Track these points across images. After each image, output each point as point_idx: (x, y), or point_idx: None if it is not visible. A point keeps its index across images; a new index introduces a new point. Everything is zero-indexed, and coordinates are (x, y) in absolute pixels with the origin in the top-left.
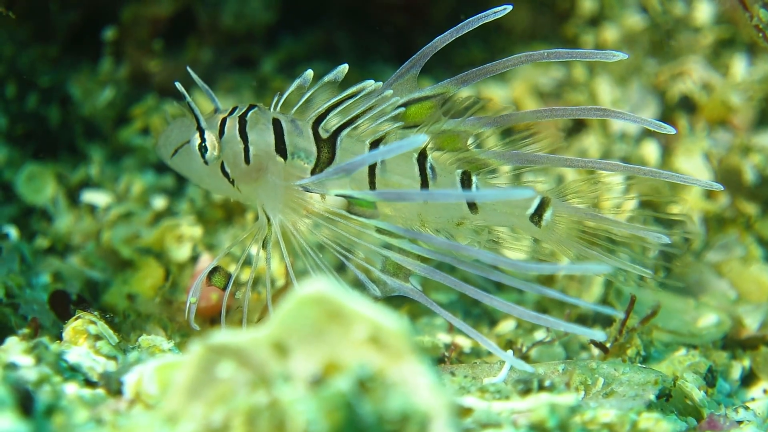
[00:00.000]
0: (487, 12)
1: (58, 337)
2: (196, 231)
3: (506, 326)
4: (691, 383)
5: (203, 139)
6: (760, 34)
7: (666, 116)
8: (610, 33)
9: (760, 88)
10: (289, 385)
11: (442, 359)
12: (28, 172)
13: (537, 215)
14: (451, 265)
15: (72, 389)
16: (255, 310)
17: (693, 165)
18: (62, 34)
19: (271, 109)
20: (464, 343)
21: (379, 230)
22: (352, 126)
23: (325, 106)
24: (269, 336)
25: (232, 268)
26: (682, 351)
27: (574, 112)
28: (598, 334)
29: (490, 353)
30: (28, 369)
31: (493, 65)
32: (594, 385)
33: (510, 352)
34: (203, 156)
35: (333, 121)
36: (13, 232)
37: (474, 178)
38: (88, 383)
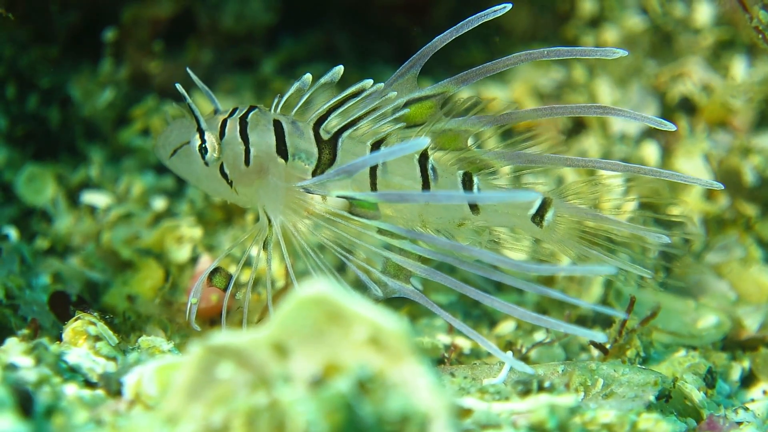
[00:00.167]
0: (486, 11)
1: (58, 338)
2: (196, 232)
3: (506, 327)
4: (690, 384)
5: (203, 140)
6: (760, 36)
7: (666, 117)
8: (610, 34)
9: (760, 90)
10: (289, 386)
11: (441, 360)
12: (28, 173)
13: (539, 216)
14: (451, 266)
15: (72, 390)
16: (255, 311)
17: (693, 166)
18: (62, 35)
19: (272, 111)
20: (464, 344)
21: (381, 231)
22: (354, 127)
23: (326, 106)
24: (269, 337)
25: (233, 269)
26: (682, 352)
27: (575, 110)
28: (599, 335)
29: (489, 354)
30: (28, 370)
31: (492, 64)
32: (594, 386)
33: (509, 353)
34: (203, 157)
35: (334, 123)
36: (13, 233)
37: (475, 179)
38: (88, 384)
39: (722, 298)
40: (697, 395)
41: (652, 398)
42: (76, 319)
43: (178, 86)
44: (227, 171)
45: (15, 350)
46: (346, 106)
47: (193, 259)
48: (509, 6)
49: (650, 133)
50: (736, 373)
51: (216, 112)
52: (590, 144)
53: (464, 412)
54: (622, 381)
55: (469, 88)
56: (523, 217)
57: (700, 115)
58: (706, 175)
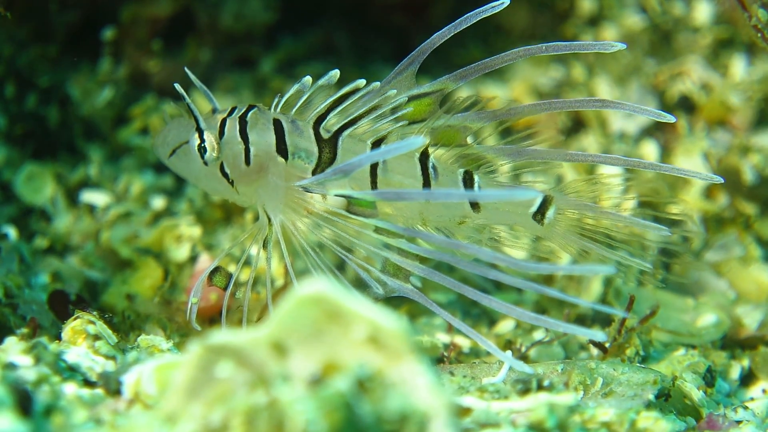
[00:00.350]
0: (484, 7)
1: (57, 337)
2: (195, 231)
3: (505, 326)
4: (690, 383)
5: (202, 140)
6: (759, 34)
7: None
8: (609, 33)
9: (759, 88)
10: (289, 385)
11: (441, 359)
12: (27, 172)
13: (539, 213)
14: (449, 266)
15: (71, 389)
16: (255, 310)
17: (692, 165)
18: (61, 34)
19: (271, 111)
20: (463, 342)
21: (378, 229)
22: (354, 126)
23: (324, 105)
24: (268, 336)
25: (232, 268)
26: (681, 351)
27: (573, 105)
28: (598, 334)
29: (489, 353)
30: (27, 369)
31: (491, 60)
32: (593, 385)
33: (509, 352)
34: (202, 156)
35: (333, 121)
36: (12, 232)
37: (476, 178)
38: (87, 383)
39: (721, 296)
40: (696, 394)
41: (651, 397)
42: (75, 318)
43: (177, 86)
44: (228, 170)
45: (14, 349)
46: (344, 105)
47: (192, 258)
48: (507, 2)
49: (649, 132)
50: (735, 372)
51: (214, 111)
52: (589, 142)
53: (463, 411)
54: (621, 380)
55: (469, 87)
56: (524, 214)
57: (699, 114)
58: (704, 174)
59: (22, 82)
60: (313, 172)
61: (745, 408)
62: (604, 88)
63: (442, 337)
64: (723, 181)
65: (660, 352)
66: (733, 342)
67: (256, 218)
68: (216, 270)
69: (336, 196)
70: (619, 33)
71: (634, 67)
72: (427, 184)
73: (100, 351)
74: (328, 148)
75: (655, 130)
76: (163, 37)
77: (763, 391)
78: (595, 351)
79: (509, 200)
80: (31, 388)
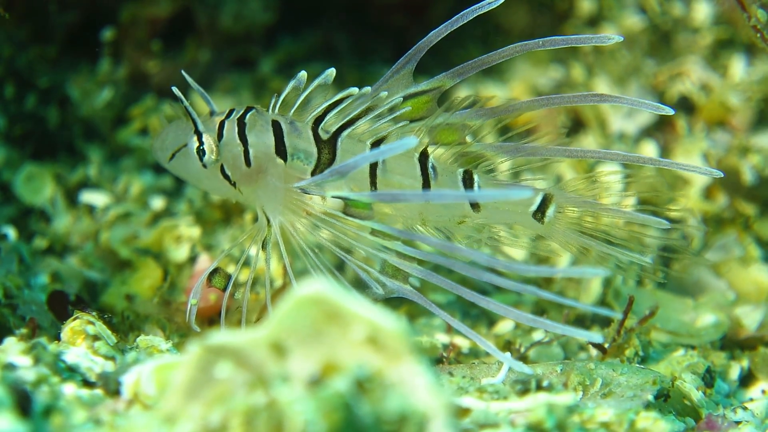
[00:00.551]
0: (481, 3)
1: (57, 338)
2: (195, 231)
3: (504, 326)
4: (689, 384)
5: (201, 143)
6: (758, 35)
7: (664, 117)
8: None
9: (758, 89)
10: (288, 385)
11: (440, 360)
12: (26, 173)
13: (539, 212)
14: (448, 267)
15: (70, 389)
16: (254, 311)
17: (692, 173)
18: (61, 34)
19: (269, 111)
20: (463, 343)
21: (374, 231)
22: (353, 126)
23: (323, 107)
24: (267, 336)
25: (231, 269)
26: (681, 351)
27: (572, 100)
28: (595, 336)
29: (488, 353)
30: (27, 369)
31: (488, 56)
32: (592, 385)
33: (508, 354)
34: (201, 159)
35: (332, 122)
36: (11, 232)
37: (476, 177)
38: (87, 384)
39: (721, 297)
40: (695, 394)
41: (650, 397)
42: (74, 319)
43: (175, 89)
44: (228, 172)
45: (13, 350)
46: (343, 106)
47: (192, 259)
48: None
49: (649, 132)
50: (734, 373)
51: (212, 113)
52: (589, 143)
53: (463, 412)
54: (620, 380)
55: (468, 86)
56: (524, 213)
57: (698, 115)
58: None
59: (21, 82)
60: (312, 173)
61: (745, 408)
62: (603, 89)
63: (442, 338)
64: (722, 176)
65: (659, 352)
66: (732, 342)
67: (256, 219)
68: (215, 271)
69: (333, 197)
70: (619, 33)
71: (633, 67)
72: (426, 183)
73: (100, 351)
74: (327, 149)
75: (654, 130)
76: (163, 38)
77: (763, 391)
78: (594, 351)
79: (504, 200)
80: (30, 388)
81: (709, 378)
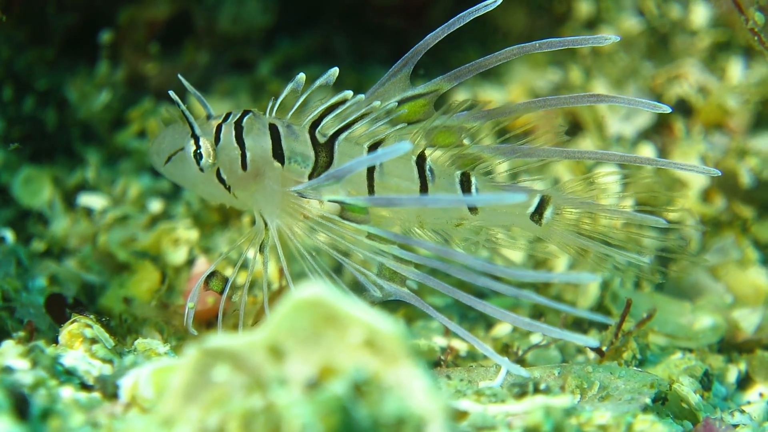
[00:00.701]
0: (477, 6)
1: (54, 341)
2: (193, 234)
3: (502, 329)
4: (687, 387)
5: (198, 146)
6: (756, 38)
7: (662, 119)
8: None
9: (756, 92)
10: (285, 388)
11: (438, 362)
12: (24, 175)
13: (537, 214)
14: (444, 271)
15: (68, 393)
16: (251, 314)
17: (690, 172)
18: (59, 37)
19: (267, 114)
20: (460, 346)
21: (370, 236)
22: (350, 130)
23: (318, 111)
24: (265, 339)
25: (229, 271)
26: (678, 354)
27: (568, 101)
28: (590, 340)
29: (486, 356)
30: (24, 373)
31: (485, 59)
32: (590, 388)
33: (505, 359)
34: (198, 163)
35: (329, 125)
36: (9, 235)
37: (473, 180)
38: (84, 387)
39: (718, 300)
40: (693, 397)
41: (648, 401)
42: (72, 322)
43: (172, 93)
44: (224, 176)
45: (11, 353)
46: (340, 109)
47: (190, 262)
48: (499, 0)
49: (646, 135)
50: (732, 376)
51: (209, 117)
52: (586, 146)
53: (460, 415)
54: (618, 383)
55: (467, 90)
56: (521, 215)
57: (696, 117)
58: (702, 177)
59: (19, 85)
60: (310, 177)
61: (742, 411)
62: (601, 91)
63: (439, 341)
64: (720, 174)
65: (657, 355)
66: (730, 345)
67: (254, 221)
68: (212, 274)
69: (329, 201)
70: (616, 35)
71: (631, 70)
72: (424, 186)
73: (97, 354)
74: (325, 152)
75: (652, 133)
76: (161, 40)
77: (760, 394)
78: (592, 354)
79: (498, 204)
80: (27, 391)
81: (706, 381)
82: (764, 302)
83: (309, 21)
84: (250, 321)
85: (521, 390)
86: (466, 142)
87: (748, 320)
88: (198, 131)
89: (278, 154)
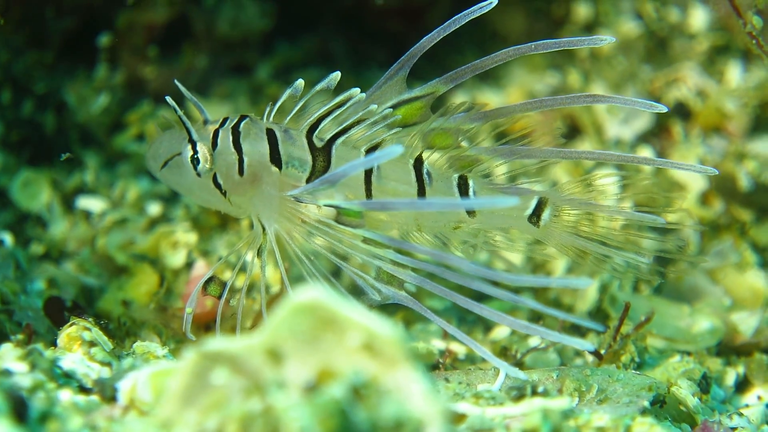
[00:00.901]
0: (473, 8)
1: (53, 344)
2: (191, 237)
3: (501, 332)
4: (685, 390)
5: (195, 151)
6: (754, 41)
7: (661, 123)
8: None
9: (754, 95)
10: (283, 391)
11: (436, 366)
12: (23, 179)
13: (535, 216)
14: (440, 275)
15: (66, 396)
16: (250, 317)
17: (687, 172)
18: (57, 40)
19: (264, 119)
20: (459, 349)
21: (366, 240)
22: (347, 134)
23: (316, 115)
24: (263, 343)
25: (227, 275)
26: (677, 357)
27: (564, 101)
28: (587, 344)
29: (484, 359)
30: (23, 376)
31: (481, 61)
32: (588, 391)
33: (503, 361)
34: (195, 168)
35: (326, 130)
36: (8, 238)
37: (471, 183)
38: (83, 390)
39: (717, 303)
40: (691, 400)
41: (646, 403)
42: (70, 325)
43: (168, 99)
44: (221, 181)
45: (9, 356)
46: (336, 113)
47: (188, 265)
48: (495, 2)
49: (645, 138)
50: (730, 379)
51: (206, 122)
52: (585, 149)
53: (459, 418)
54: (616, 386)
55: (465, 92)
56: (519, 218)
57: (694, 120)
58: (701, 180)
59: (18, 88)
60: (307, 181)
61: (740, 415)
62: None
63: (438, 344)
64: (717, 173)
65: (655, 358)
66: (728, 348)
67: (252, 225)
68: (210, 279)
69: (325, 206)
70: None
71: (629, 73)
72: (422, 189)
73: (96, 357)
74: (322, 157)
75: (651, 136)
76: (160, 44)
77: (758, 397)
78: (590, 358)
79: (492, 208)
80: (26, 394)
81: (704, 384)
82: (762, 305)
83: (307, 25)
84: (248, 324)
85: (519, 393)
86: (464, 144)
87: (746, 323)
88: (195, 136)
89: (276, 158)
